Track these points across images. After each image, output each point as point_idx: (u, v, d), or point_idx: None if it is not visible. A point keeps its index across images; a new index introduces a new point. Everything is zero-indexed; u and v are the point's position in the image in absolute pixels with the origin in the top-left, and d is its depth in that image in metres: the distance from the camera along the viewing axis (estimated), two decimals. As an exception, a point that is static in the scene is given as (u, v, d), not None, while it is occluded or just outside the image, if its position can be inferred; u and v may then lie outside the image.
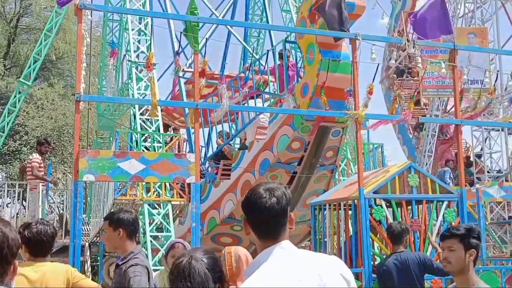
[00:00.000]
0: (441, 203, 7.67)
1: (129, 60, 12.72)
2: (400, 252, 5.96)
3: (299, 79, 9.69)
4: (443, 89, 17.96)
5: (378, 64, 7.86)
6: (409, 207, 7.86)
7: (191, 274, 2.10)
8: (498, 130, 20.33)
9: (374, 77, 8.01)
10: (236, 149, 11.41)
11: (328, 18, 7.40)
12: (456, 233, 3.17)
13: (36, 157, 11.35)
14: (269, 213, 2.12)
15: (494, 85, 11.97)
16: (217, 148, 11.76)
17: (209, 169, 11.27)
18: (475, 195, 10.53)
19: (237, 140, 13.15)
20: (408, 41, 7.92)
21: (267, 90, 11.24)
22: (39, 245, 3.83)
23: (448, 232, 3.23)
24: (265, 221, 2.14)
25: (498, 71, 14.06)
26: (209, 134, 14.99)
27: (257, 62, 12.07)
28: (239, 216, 10.64)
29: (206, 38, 10.05)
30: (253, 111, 10.17)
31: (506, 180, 18.37)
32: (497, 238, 17.70)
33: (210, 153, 12.17)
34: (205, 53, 7.33)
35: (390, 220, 7.39)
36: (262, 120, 9.96)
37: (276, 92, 10.44)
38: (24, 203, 13.44)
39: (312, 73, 8.69)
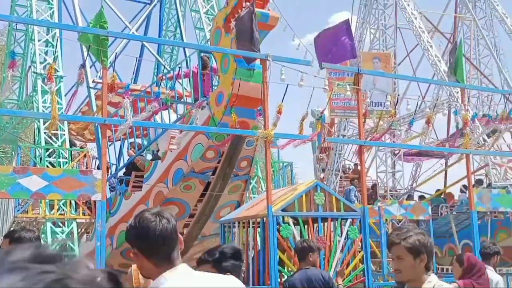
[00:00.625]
0: (345, 220, 7.94)
1: (34, 72, 12.22)
2: (306, 269, 6.08)
3: (214, 87, 9.71)
4: (349, 110, 18.66)
5: (288, 85, 8.05)
6: (316, 225, 8.08)
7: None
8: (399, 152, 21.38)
9: (284, 97, 8.21)
10: (149, 160, 11.23)
11: (239, 41, 7.53)
12: (395, 241, 2.96)
13: None
14: (163, 236, 2.04)
15: (395, 108, 12.67)
16: (128, 159, 11.52)
17: (120, 182, 11.01)
18: (377, 212, 11.00)
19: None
20: (319, 64, 8.21)
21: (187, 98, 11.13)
22: None
23: (392, 240, 3.01)
24: (160, 246, 2.05)
25: (398, 95, 14.86)
26: (121, 148, 14.67)
27: (177, 67, 11.90)
28: None
29: (116, 53, 9.84)
30: (159, 127, 10.02)
31: (407, 199, 19.37)
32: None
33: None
34: (114, 66, 7.19)
35: (297, 237, 7.56)
36: (174, 130, 9.88)
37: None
38: None
39: (227, 82, 8.72)
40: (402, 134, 21.82)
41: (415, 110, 12.84)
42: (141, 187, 10.47)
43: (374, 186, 20.17)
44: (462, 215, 15.22)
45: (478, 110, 20.34)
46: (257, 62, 8.53)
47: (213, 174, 9.61)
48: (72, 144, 13.62)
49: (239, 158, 9.36)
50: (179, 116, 10.51)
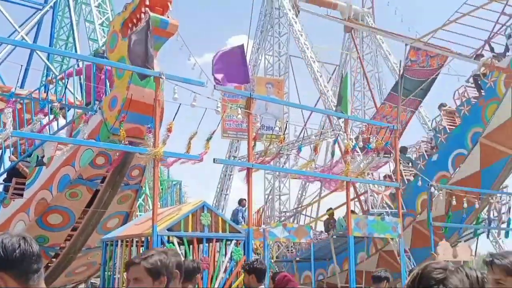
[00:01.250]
0: (229, 241, 8.03)
1: None
2: None
3: (107, 92, 9.42)
4: (241, 132, 19.04)
5: (180, 104, 8.06)
6: (201, 245, 8.09)
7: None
8: (287, 176, 22.06)
9: (175, 115, 8.21)
10: (32, 166, 10.63)
11: (132, 56, 7.45)
12: (135, 261, 2.79)
13: None
14: (22, 254, 1.99)
15: (284, 133, 13.11)
16: (9, 165, 10.87)
17: None
18: (262, 234, 11.25)
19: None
20: (213, 86, 8.31)
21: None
22: None
23: (132, 261, 2.82)
24: (19, 263, 1.99)
25: (287, 121, 15.41)
26: (2, 155, 13.79)
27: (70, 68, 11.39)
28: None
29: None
30: (42, 139, 9.56)
31: (293, 221, 19.95)
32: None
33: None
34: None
35: (182, 257, 7.52)
36: (62, 135, 9.48)
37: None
38: None
39: (122, 87, 8.49)
40: (290, 159, 22.56)
41: (303, 137, 13.37)
42: (21, 194, 9.89)
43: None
44: (342, 238, 15.97)
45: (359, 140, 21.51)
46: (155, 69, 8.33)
47: (102, 181, 9.27)
48: None
49: (130, 166, 9.13)
50: (67, 121, 10.06)
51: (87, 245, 10.02)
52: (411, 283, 1.53)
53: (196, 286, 6.86)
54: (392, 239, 14.03)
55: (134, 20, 8.14)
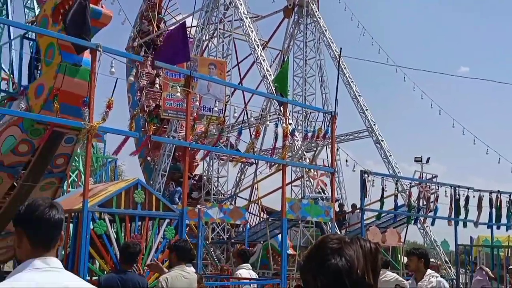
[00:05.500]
0: (163, 220, 7.97)
1: None
2: (128, 271, 5.90)
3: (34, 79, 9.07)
4: (181, 112, 18.80)
5: (117, 78, 7.88)
6: (133, 223, 7.99)
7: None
8: (225, 157, 22.04)
9: (113, 91, 8.02)
10: None
11: (69, 28, 7.19)
12: None
13: None
14: (48, 222, 2.24)
15: (224, 116, 13.07)
16: None
17: None
18: (197, 214, 11.20)
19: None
20: (152, 62, 8.16)
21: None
22: None
23: None
24: (42, 230, 2.24)
25: (227, 102, 15.38)
26: None
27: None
28: None
29: None
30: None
31: (230, 203, 20.04)
32: (214, 257, 19.14)
33: None
34: None
35: (112, 234, 7.40)
36: None
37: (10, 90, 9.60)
38: None
39: (49, 75, 8.22)
40: (232, 141, 22.56)
41: (243, 120, 13.37)
42: None
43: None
44: (277, 221, 16.20)
45: (298, 125, 21.80)
46: (86, 57, 8.16)
47: (24, 169, 9.00)
48: None
49: (55, 154, 8.89)
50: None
51: (7, 229, 9.71)
52: (308, 253, 1.59)
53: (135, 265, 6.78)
54: (325, 223, 14.38)
55: (66, 6, 7.87)
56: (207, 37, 24.17)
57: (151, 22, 26.88)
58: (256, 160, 21.71)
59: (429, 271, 6.15)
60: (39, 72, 8.98)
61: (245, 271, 8.68)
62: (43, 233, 2.24)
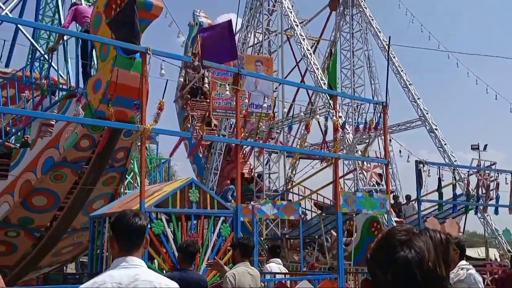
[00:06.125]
0: (218, 218, 8.02)
1: None
2: (189, 270, 5.97)
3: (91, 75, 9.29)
4: (230, 111, 18.91)
5: (167, 80, 7.96)
6: (189, 222, 8.07)
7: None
8: (277, 153, 22.06)
9: (164, 92, 8.11)
10: (17, 147, 10.53)
11: (117, 32, 7.32)
12: None
13: None
14: (129, 228, 2.81)
15: (273, 112, 13.04)
16: None
17: None
18: (251, 211, 11.25)
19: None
20: (200, 62, 8.20)
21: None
22: None
23: None
24: (125, 235, 2.80)
25: (275, 98, 15.34)
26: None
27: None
28: (15, 220, 9.76)
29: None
30: (28, 115, 9.42)
31: (282, 199, 20.01)
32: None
33: None
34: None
35: (169, 234, 7.50)
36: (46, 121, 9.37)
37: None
38: None
39: (106, 69, 8.36)
40: (280, 137, 22.52)
41: (292, 115, 13.31)
42: (6, 176, 9.79)
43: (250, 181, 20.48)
44: (331, 216, 16.05)
45: (349, 118, 21.53)
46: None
47: (86, 164, 9.19)
48: None
49: (115, 148, 9.05)
50: (53, 102, 9.97)
51: (72, 226, 9.98)
52: (376, 246, 1.54)
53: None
54: (380, 215, 14.12)
55: (118, 1, 7.99)
56: (251, 34, 24.20)
57: (196, 69, 26.98)
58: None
59: (461, 262, 5.77)
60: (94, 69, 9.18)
61: (275, 265, 9.20)
62: (126, 238, 2.78)
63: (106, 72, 8.33)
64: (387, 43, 17.65)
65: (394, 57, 22.47)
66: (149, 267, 7.52)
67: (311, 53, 21.13)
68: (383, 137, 11.15)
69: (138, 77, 7.60)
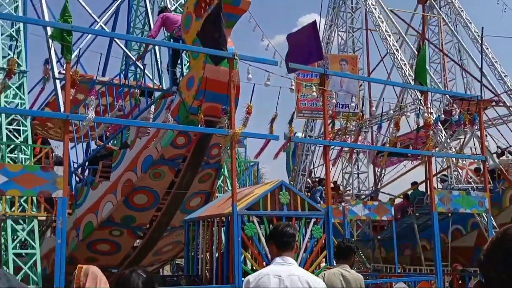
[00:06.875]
0: (309, 220, 7.98)
1: (-3, 67, 11.96)
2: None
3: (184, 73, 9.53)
4: (316, 112, 18.84)
5: (254, 84, 8.02)
6: (280, 224, 8.08)
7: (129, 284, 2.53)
8: (364, 153, 21.63)
9: (251, 96, 8.19)
10: (117, 148, 11.05)
11: (204, 38, 7.49)
12: None
13: None
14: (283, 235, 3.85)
15: (362, 110, 12.83)
16: (96, 148, 11.41)
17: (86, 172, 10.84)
18: (342, 213, 11.10)
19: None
20: (286, 66, 8.21)
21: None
22: None
23: None
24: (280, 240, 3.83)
25: (363, 97, 15.06)
26: (88, 144, 14.46)
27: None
28: (118, 219, 10.18)
29: (80, 48, 9.68)
30: (122, 123, 9.85)
31: (371, 199, 19.61)
32: (362, 255, 18.81)
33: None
34: (77, 60, 7.05)
35: (262, 236, 7.56)
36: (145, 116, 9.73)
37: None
38: None
39: (198, 66, 8.55)
40: (367, 136, 22.08)
41: (381, 113, 13.01)
42: (108, 176, 10.27)
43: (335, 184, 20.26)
44: (425, 216, 15.51)
45: (440, 114, 20.70)
46: (231, 46, 8.26)
47: (183, 161, 9.41)
48: (45, 142, 13.39)
49: (210, 145, 9.18)
50: (149, 102, 10.35)
51: (171, 224, 10.27)
52: (491, 245, 1.45)
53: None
54: (479, 214, 13.47)
55: (208, 0, 8.11)
56: (335, 33, 23.94)
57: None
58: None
59: None
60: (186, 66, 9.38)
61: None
62: (280, 241, 3.81)
63: (199, 69, 8.50)
64: (480, 34, 16.83)
65: (487, 48, 21.38)
66: (244, 269, 7.60)
67: (397, 49, 20.56)
68: (479, 133, 10.63)
69: (227, 72, 7.65)
